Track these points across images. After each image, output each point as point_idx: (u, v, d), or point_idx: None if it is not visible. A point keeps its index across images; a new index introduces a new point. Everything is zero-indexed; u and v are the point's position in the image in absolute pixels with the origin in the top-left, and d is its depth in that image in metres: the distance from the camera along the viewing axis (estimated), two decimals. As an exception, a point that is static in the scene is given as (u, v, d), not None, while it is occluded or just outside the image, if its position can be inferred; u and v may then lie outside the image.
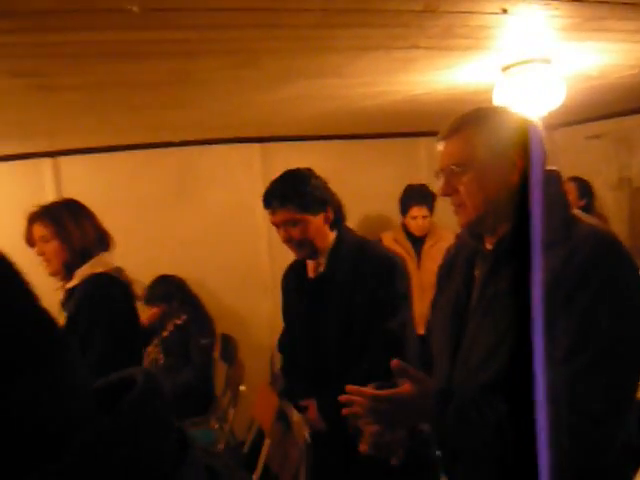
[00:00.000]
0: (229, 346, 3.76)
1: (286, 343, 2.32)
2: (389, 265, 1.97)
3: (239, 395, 3.51)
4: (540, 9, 1.70)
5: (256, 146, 4.15)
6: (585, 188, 4.17)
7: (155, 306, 3.41)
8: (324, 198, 1.99)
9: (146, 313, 3.30)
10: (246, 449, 3.36)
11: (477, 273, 1.35)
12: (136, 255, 3.36)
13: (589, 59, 2.39)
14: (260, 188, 2.16)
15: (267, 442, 2.52)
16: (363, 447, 1.33)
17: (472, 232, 1.36)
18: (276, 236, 2.10)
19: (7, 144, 3.40)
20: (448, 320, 1.37)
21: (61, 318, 1.95)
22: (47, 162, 3.75)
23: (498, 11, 1.68)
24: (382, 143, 4.47)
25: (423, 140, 4.33)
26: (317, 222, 1.97)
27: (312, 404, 2.04)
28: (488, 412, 1.16)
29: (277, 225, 2.01)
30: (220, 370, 3.75)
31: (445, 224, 3.63)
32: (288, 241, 2.00)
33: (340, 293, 1.97)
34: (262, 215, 2.56)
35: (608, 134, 4.33)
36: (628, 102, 3.69)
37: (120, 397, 0.41)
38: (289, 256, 2.19)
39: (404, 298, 1.97)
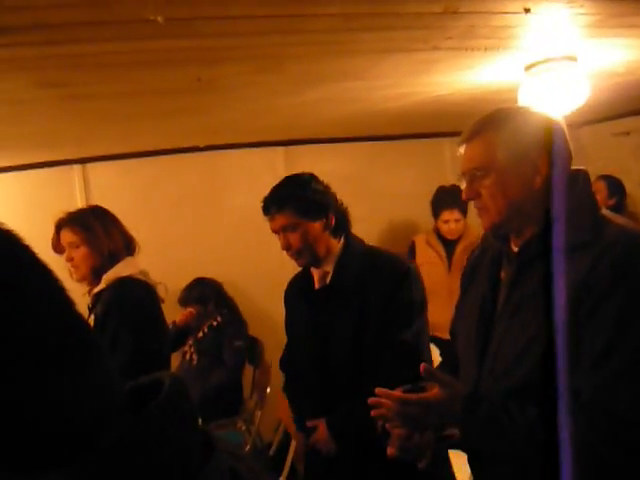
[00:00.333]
0: (256, 348, 3.78)
1: (288, 360, 2.17)
2: (403, 271, 1.85)
3: (266, 397, 3.53)
4: (564, 7, 1.69)
5: (280, 150, 4.17)
6: (615, 186, 4.06)
7: (189, 307, 3.45)
8: (325, 203, 1.88)
9: (180, 314, 3.36)
10: (272, 451, 3.38)
11: (503, 275, 1.34)
12: (164, 259, 3.42)
13: (614, 56, 2.35)
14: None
15: (293, 444, 2.53)
16: (390, 450, 1.33)
17: (496, 234, 1.36)
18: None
19: (37, 152, 3.49)
20: (474, 324, 1.36)
21: (89, 322, 1.99)
22: (76, 169, 3.84)
23: (520, 11, 1.67)
24: (406, 144, 4.45)
25: (447, 140, 4.28)
26: (317, 228, 1.86)
27: (321, 424, 1.88)
28: (518, 416, 1.15)
29: (276, 232, 1.91)
30: (247, 372, 3.77)
31: (480, 225, 3.57)
32: (287, 248, 1.89)
33: (349, 304, 1.84)
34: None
35: (637, 130, 4.24)
36: (656, 98, 3.62)
37: (149, 399, 0.43)
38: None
39: (420, 306, 1.85)
